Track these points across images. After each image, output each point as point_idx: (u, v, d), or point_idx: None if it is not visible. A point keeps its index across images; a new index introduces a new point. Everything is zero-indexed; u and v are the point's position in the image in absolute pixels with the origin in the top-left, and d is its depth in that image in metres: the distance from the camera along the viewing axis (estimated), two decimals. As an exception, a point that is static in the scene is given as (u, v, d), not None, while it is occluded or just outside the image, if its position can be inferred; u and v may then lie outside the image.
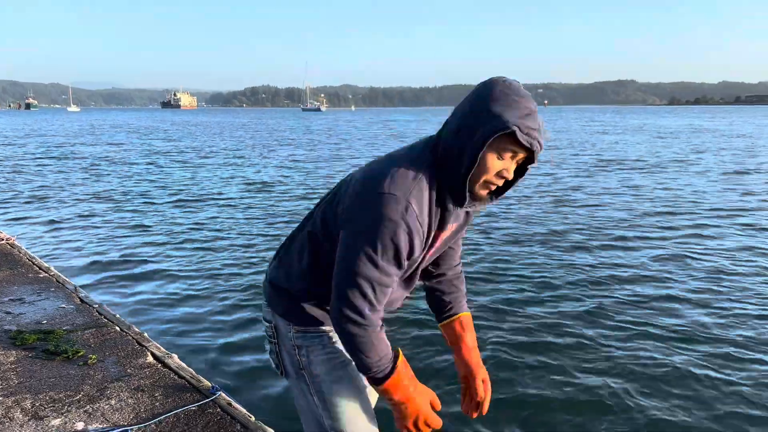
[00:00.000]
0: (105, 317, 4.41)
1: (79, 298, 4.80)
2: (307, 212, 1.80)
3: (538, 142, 1.40)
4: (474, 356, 1.87)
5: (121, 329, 4.17)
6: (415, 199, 1.42)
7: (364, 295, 1.46)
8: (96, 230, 9.48)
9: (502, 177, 1.46)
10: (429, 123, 66.41)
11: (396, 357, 1.57)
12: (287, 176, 16.83)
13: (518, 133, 1.36)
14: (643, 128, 47.01)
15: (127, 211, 11.27)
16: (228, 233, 9.29)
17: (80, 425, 2.88)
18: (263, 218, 10.46)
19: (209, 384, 3.33)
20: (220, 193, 13.50)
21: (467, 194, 1.46)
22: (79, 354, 3.65)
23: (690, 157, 21.25)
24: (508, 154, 1.43)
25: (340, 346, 1.70)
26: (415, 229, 1.43)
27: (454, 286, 1.90)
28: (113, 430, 2.83)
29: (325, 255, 1.59)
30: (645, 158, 21.17)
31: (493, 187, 1.50)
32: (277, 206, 11.76)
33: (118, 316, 4.52)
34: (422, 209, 1.44)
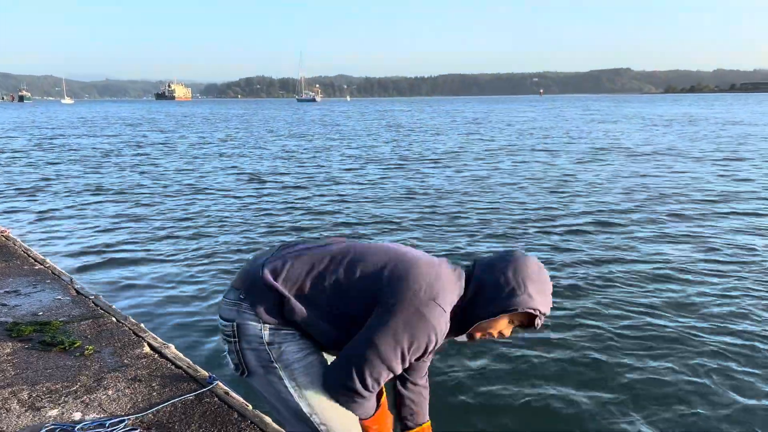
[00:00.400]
0: (101, 308, 4.41)
1: (75, 289, 4.79)
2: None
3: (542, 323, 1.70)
4: None
5: (117, 320, 4.17)
6: (448, 319, 1.64)
7: (378, 379, 1.63)
8: (90, 222, 9.45)
9: (501, 335, 1.74)
10: (424, 113, 66.25)
11: (379, 399, 1.81)
12: (282, 166, 16.80)
13: (538, 319, 1.66)
14: (639, 117, 47.01)
15: (121, 202, 11.25)
16: (223, 223, 9.29)
17: (77, 415, 2.88)
18: (258, 208, 10.44)
19: (206, 374, 3.34)
20: (215, 184, 13.48)
21: (466, 334, 1.72)
22: (76, 345, 3.65)
23: (685, 145, 21.29)
24: (517, 323, 1.71)
25: (307, 339, 1.75)
26: (440, 341, 1.65)
27: (422, 396, 2.09)
28: (110, 420, 2.84)
29: (349, 308, 1.67)
30: (640, 146, 21.20)
31: (488, 337, 1.74)
32: (274, 196, 11.75)
33: (114, 307, 4.52)
34: None
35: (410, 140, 26.04)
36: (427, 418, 2.14)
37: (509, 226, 8.63)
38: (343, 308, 1.66)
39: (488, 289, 1.64)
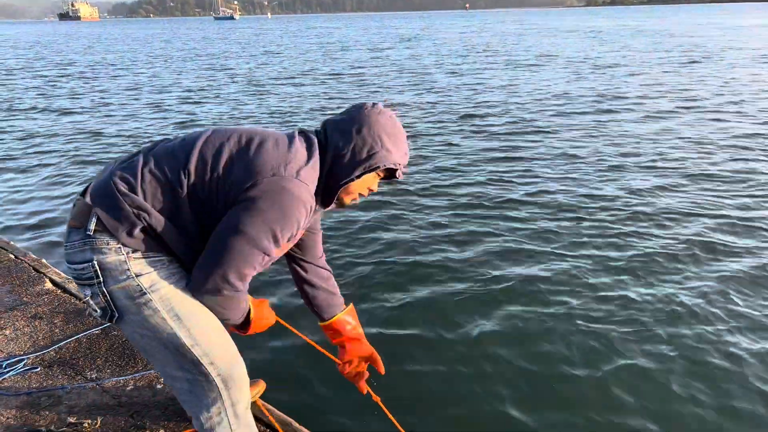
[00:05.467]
0: (-3, 245, 4.11)
1: (-33, 227, 4.43)
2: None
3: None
4: (366, 342, 2.07)
5: (15, 257, 3.90)
6: (313, 192, 1.57)
7: (254, 266, 1.51)
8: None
9: (370, 191, 1.73)
10: (353, 29, 64.23)
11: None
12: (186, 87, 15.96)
13: (398, 171, 1.67)
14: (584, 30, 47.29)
15: (17, 125, 10.48)
16: (125, 142, 8.87)
17: (-30, 359, 2.70)
18: (157, 127, 9.95)
19: (114, 306, 3.19)
20: (122, 104, 12.69)
21: (335, 201, 1.67)
22: (-32, 285, 3.40)
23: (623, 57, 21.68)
24: (381, 176, 1.71)
25: (176, 263, 1.59)
26: (308, 218, 1.57)
27: (327, 281, 2.04)
28: (7, 360, 2.68)
29: (215, 210, 1.53)
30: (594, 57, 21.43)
31: (359, 199, 1.72)
32: (195, 113, 11.20)
33: (11, 242, 4.22)
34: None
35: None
36: (343, 305, 2.06)
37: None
38: (208, 210, 1.53)
39: (346, 152, 1.60)
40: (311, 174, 1.56)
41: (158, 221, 1.50)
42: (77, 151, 8.69)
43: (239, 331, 1.72)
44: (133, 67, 22.74)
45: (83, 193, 1.55)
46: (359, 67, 20.56)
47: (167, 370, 1.63)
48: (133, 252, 1.50)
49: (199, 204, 1.52)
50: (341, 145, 1.61)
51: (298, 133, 1.65)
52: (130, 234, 1.48)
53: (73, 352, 2.76)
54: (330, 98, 13.27)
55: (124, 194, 1.48)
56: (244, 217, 1.46)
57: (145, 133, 9.98)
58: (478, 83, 15.09)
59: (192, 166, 1.51)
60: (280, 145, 1.56)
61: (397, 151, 1.64)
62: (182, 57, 27.69)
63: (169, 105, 13.05)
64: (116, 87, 16.52)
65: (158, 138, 1.68)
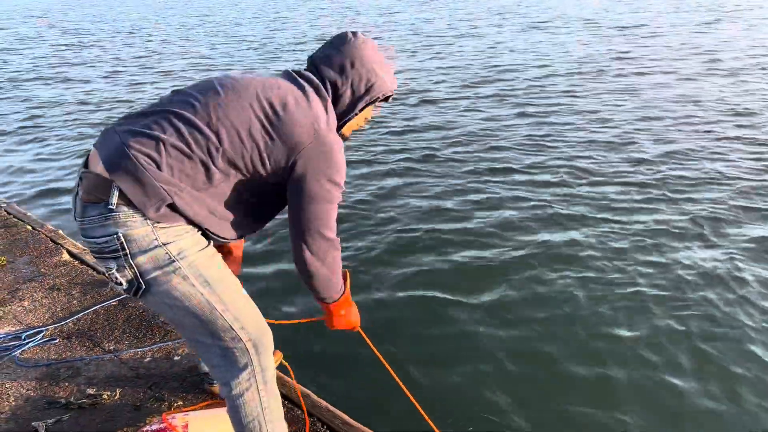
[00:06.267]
0: (15, 216, 4.14)
1: (-16, 198, 4.46)
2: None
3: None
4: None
5: (33, 228, 3.92)
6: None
7: (335, 216, 1.64)
8: None
9: (367, 121, 1.83)
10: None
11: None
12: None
13: (393, 95, 1.77)
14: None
15: (29, 94, 10.48)
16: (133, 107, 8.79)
17: (-10, 330, 2.73)
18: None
19: (130, 277, 3.19)
20: (134, 72, 12.62)
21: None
22: (-14, 257, 3.42)
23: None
24: (378, 104, 1.79)
25: (200, 233, 1.56)
26: None
27: None
28: (26, 331, 2.70)
29: (242, 184, 1.56)
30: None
31: (357, 129, 1.82)
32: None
33: (29, 214, 4.24)
34: None
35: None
36: None
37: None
38: (249, 183, 1.55)
39: (345, 89, 1.68)
40: (333, 120, 1.65)
41: (188, 198, 1.47)
42: (89, 119, 8.68)
43: (329, 303, 1.78)
44: (144, 35, 22.59)
45: (86, 164, 1.48)
46: (367, 32, 20.21)
47: (198, 337, 1.61)
48: (158, 222, 1.45)
49: (235, 179, 1.52)
50: (339, 83, 1.68)
51: (300, 77, 1.65)
52: (158, 210, 1.43)
53: (91, 324, 2.77)
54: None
55: (149, 169, 1.42)
56: (310, 184, 1.56)
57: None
58: (496, 44, 14.78)
59: (225, 143, 1.48)
60: (301, 102, 1.58)
61: (389, 78, 1.74)
62: (195, 24, 27.44)
63: (183, 71, 12.98)
64: (127, 54, 16.45)
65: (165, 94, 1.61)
